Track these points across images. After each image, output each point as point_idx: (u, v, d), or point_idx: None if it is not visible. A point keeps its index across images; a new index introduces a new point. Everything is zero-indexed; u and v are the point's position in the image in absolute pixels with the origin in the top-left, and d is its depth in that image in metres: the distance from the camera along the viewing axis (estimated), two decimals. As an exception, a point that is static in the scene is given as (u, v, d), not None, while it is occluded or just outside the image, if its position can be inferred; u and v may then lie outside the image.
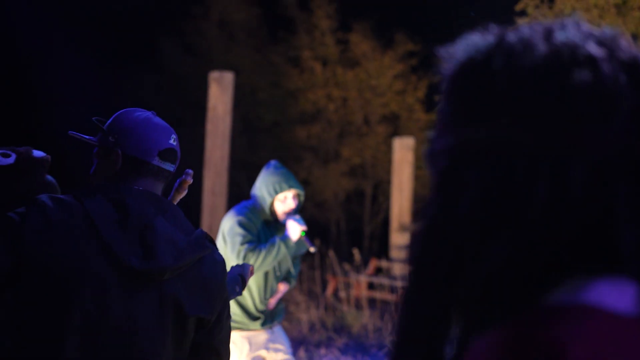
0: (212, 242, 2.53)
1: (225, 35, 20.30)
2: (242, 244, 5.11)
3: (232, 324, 5.13)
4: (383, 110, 19.26)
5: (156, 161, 2.49)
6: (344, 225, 20.30)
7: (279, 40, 19.99)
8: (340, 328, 11.08)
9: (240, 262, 5.02)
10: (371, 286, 13.03)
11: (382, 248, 18.04)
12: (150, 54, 19.81)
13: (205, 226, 11.94)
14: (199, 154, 12.55)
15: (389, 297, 12.15)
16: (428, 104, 19.40)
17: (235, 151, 14.24)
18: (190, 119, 17.69)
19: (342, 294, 12.05)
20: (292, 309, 11.53)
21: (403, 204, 15.06)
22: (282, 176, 5.26)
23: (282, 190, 5.22)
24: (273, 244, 5.15)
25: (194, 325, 2.45)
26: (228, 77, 13.08)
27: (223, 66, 13.96)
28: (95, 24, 19.83)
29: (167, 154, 2.52)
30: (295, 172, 18.07)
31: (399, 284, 12.16)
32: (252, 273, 3.23)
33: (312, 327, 10.93)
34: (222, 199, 12.78)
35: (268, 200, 5.21)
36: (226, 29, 20.38)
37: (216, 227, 12.73)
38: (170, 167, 2.55)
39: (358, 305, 11.89)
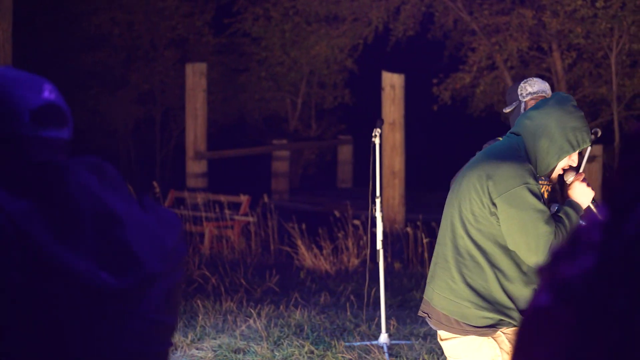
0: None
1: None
2: (546, 224, 3.46)
3: (495, 319, 3.62)
4: (171, 34, 18.62)
5: (29, 129, 1.72)
6: (134, 154, 19.67)
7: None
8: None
9: (543, 253, 3.45)
10: (172, 218, 12.65)
11: (174, 176, 17.63)
12: None
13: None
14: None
15: (192, 228, 11.84)
16: (217, 28, 18.93)
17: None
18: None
19: (143, 228, 11.60)
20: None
21: (198, 131, 14.74)
22: (586, 124, 3.63)
23: (584, 145, 3.63)
24: (571, 220, 3.57)
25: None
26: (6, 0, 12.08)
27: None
28: None
29: (44, 113, 1.75)
30: (82, 101, 17.21)
31: (201, 214, 11.88)
32: None
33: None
34: None
35: (566, 153, 3.60)
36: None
37: None
38: (57, 132, 1.77)
39: (160, 239, 11.51)
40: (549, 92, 5.52)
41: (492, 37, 13.82)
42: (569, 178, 3.68)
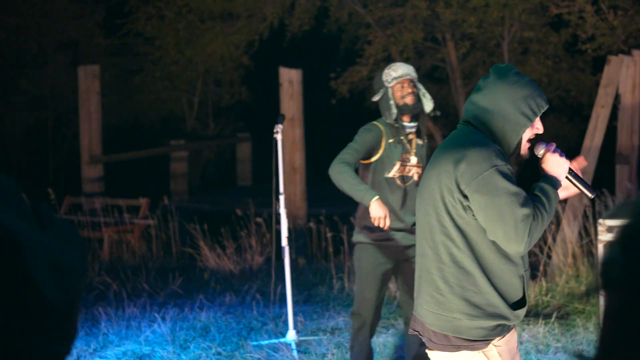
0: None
1: None
2: (523, 206, 3.16)
3: (480, 329, 3.31)
4: (61, 37, 18.12)
5: None
6: (25, 162, 19.10)
7: None
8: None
9: (524, 239, 3.16)
10: (69, 224, 12.29)
11: (70, 181, 17.18)
12: None
13: None
14: None
15: (91, 234, 11.52)
16: (108, 29, 18.52)
17: None
18: None
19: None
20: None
21: (92, 135, 14.37)
22: (536, 87, 3.32)
23: (542, 110, 3.31)
24: (548, 197, 3.24)
25: None
26: None
27: None
28: None
29: None
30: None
31: (99, 219, 11.57)
32: None
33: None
34: None
35: (525, 127, 3.28)
36: None
37: None
38: None
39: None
40: (414, 74, 5.39)
41: (387, 30, 13.88)
42: (540, 151, 3.36)
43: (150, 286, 8.69)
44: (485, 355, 3.32)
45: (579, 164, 3.52)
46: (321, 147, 15.91)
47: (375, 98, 5.39)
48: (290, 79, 12.69)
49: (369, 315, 5.30)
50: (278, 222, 6.85)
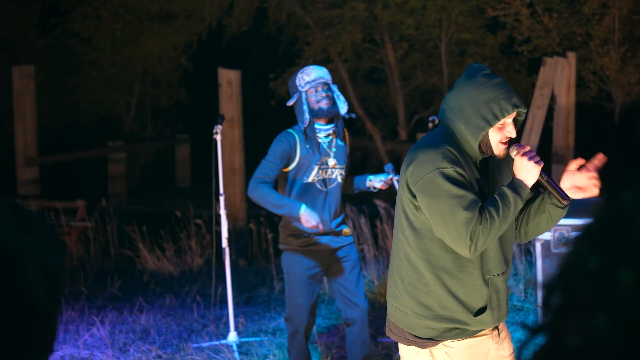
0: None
1: None
2: (466, 210, 3.13)
3: (435, 329, 3.33)
4: (-6, 37, 17.81)
5: None
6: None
7: None
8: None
9: (466, 242, 3.13)
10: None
11: (4, 184, 16.87)
12: None
13: None
14: None
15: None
16: (43, 28, 18.23)
17: None
18: None
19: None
20: None
21: (28, 137, 14.13)
22: (504, 91, 3.22)
23: (507, 114, 3.23)
24: (505, 201, 3.18)
25: None
26: None
27: None
28: None
29: None
30: None
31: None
32: None
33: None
34: None
35: (483, 130, 3.23)
36: None
37: None
38: None
39: None
40: (328, 76, 5.29)
41: (326, 31, 13.91)
42: (512, 153, 3.30)
43: (89, 289, 8.58)
44: (431, 353, 3.33)
45: (599, 161, 3.32)
46: (261, 148, 15.93)
47: (290, 103, 5.29)
48: (229, 80, 12.63)
49: (302, 321, 5.27)
50: (218, 223, 6.82)
